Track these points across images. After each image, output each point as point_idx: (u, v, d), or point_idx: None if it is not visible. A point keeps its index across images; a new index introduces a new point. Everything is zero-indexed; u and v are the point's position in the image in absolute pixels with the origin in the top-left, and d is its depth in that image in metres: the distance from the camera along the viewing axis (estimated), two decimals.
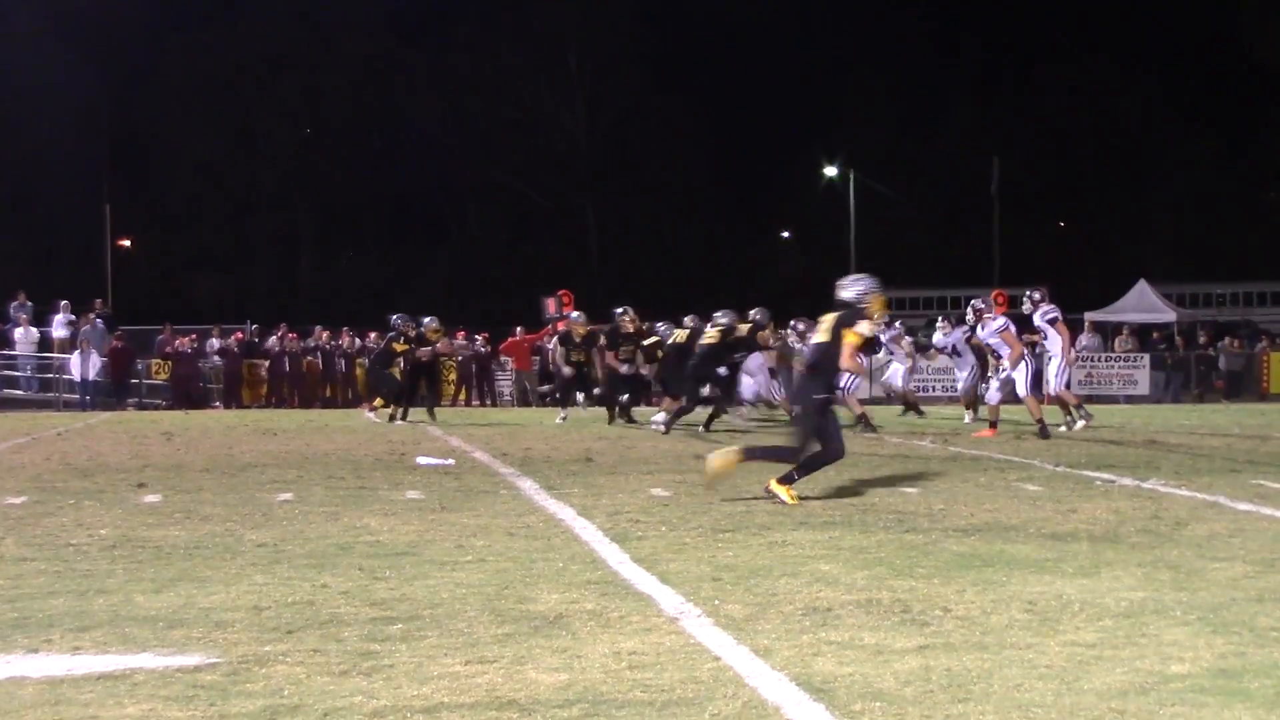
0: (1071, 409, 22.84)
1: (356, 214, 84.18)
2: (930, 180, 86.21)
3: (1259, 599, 7.72)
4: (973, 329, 22.46)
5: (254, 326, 40.47)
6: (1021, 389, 21.25)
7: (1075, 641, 6.70)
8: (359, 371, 36.55)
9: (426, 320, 27.84)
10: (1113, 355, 39.16)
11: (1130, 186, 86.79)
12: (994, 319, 21.60)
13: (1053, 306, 22.47)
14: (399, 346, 27.05)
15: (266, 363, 37.11)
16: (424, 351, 27.17)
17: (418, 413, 27.28)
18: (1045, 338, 22.51)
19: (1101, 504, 12.14)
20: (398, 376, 27.05)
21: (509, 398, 37.58)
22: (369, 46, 79.89)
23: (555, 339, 29.37)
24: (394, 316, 28.18)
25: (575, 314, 27.78)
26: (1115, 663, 6.27)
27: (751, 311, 23.59)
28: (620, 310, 26.07)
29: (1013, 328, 21.45)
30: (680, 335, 24.08)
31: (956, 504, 12.19)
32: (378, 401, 27.67)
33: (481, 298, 73.76)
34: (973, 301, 22.92)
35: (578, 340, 26.54)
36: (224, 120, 79.19)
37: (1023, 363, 21.26)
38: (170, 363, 37.01)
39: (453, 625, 7.13)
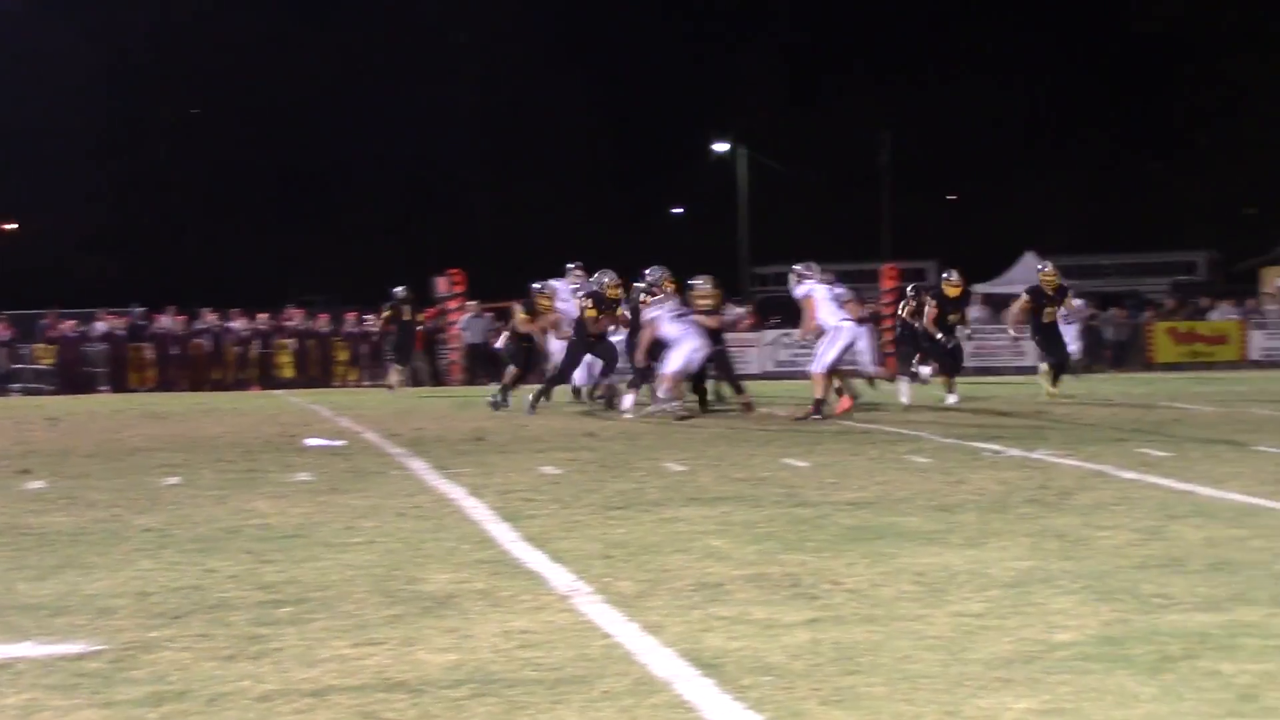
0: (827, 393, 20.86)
1: (246, 194, 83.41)
2: (820, 154, 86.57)
3: (1143, 566, 7.82)
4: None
5: (140, 309, 39.96)
6: (815, 364, 20.05)
7: (963, 612, 6.75)
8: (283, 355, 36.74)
9: (607, 279, 22.38)
10: (1002, 327, 39.28)
11: (1017, 159, 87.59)
12: (800, 284, 20.57)
13: (812, 283, 20.31)
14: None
15: (153, 345, 36.69)
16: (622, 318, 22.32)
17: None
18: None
19: (989, 475, 12.25)
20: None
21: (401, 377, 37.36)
22: (256, 24, 79.16)
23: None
24: (535, 284, 25.08)
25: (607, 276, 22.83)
26: (1002, 632, 6.33)
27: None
28: (602, 273, 22.31)
29: (816, 295, 19.99)
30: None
31: (847, 477, 12.26)
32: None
33: (372, 277, 73.27)
34: (795, 266, 21.02)
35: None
36: (109, 101, 78.18)
37: (824, 336, 19.86)
38: (55, 347, 36.51)
39: (342, 607, 7.08)
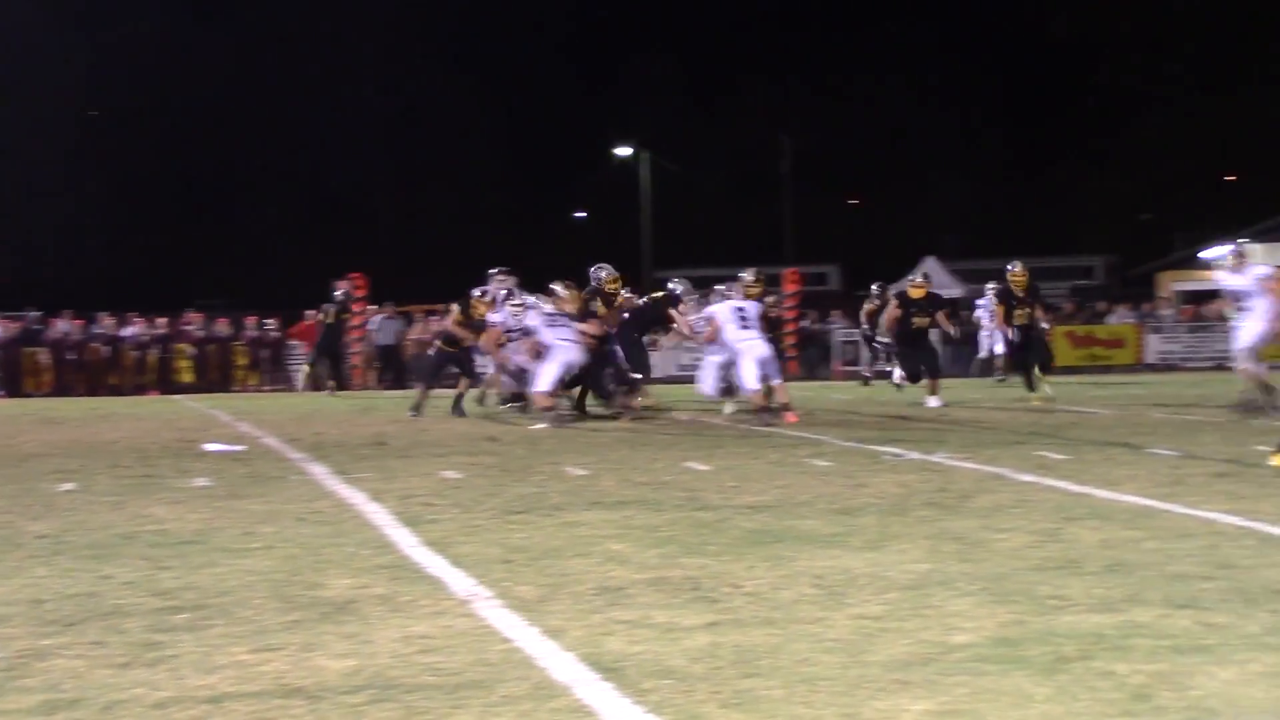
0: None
1: (144, 197, 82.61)
2: (722, 158, 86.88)
3: (1039, 568, 7.89)
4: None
5: (36, 313, 39.34)
6: (743, 387, 19.88)
7: (862, 614, 6.79)
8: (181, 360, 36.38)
9: (604, 274, 21.51)
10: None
11: (918, 163, 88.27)
12: (710, 303, 20.38)
13: (719, 304, 20.35)
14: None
15: (49, 350, 36.15)
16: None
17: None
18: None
19: (889, 478, 12.33)
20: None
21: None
22: (156, 25, 78.44)
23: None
24: (475, 290, 22.55)
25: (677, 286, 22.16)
26: (900, 634, 6.37)
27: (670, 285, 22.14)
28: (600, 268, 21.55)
29: (718, 317, 19.80)
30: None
31: (748, 480, 12.30)
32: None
33: (272, 281, 72.78)
34: (718, 286, 21.28)
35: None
36: (3, 102, 77.10)
37: (715, 349, 20.22)
38: None
39: (240, 613, 7.03)
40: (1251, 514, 9.75)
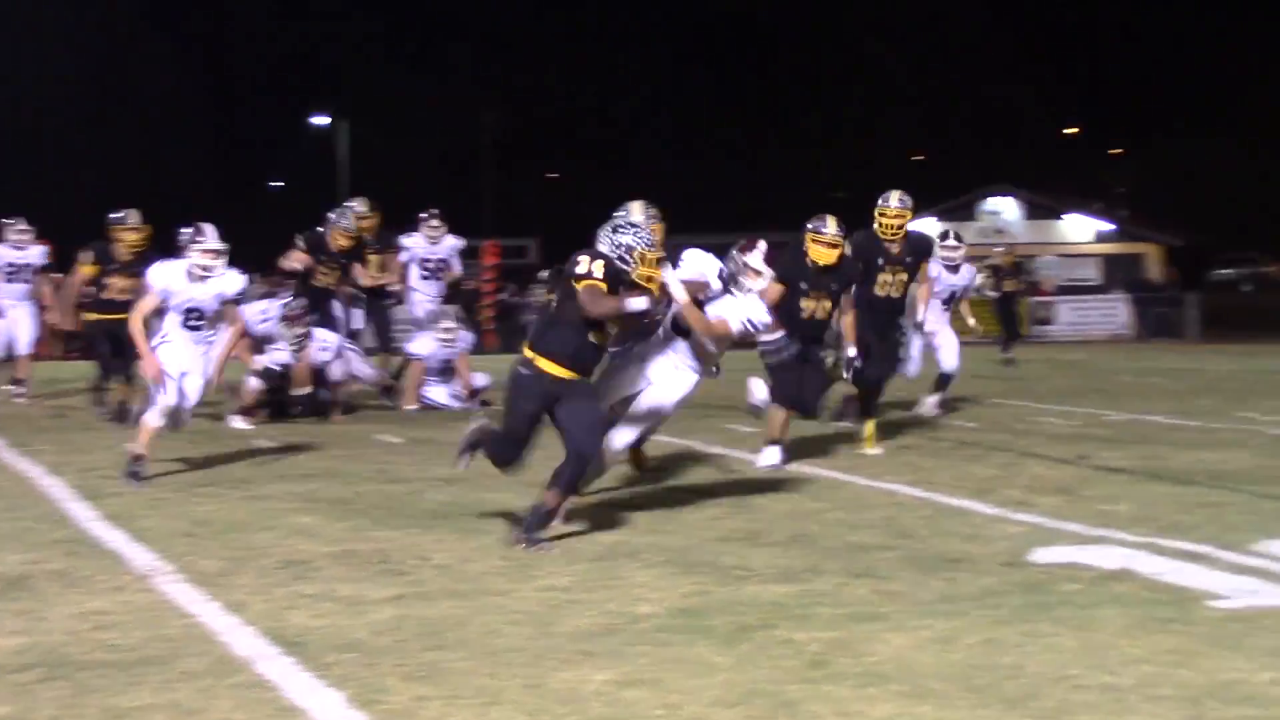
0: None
1: None
2: (424, 131, 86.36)
3: (725, 539, 8.02)
4: None
5: None
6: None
7: (550, 586, 6.82)
8: None
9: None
10: None
11: (617, 140, 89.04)
12: None
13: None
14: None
15: None
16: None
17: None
18: None
19: None
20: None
21: None
22: None
23: None
24: None
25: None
26: (587, 605, 6.42)
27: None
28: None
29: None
30: None
31: (441, 454, 12.21)
32: None
33: None
34: None
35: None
36: None
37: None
38: None
39: None
40: (929, 485, 10.06)
